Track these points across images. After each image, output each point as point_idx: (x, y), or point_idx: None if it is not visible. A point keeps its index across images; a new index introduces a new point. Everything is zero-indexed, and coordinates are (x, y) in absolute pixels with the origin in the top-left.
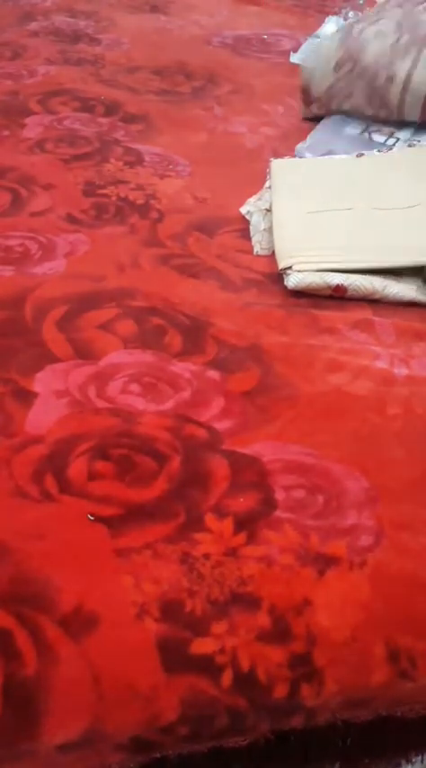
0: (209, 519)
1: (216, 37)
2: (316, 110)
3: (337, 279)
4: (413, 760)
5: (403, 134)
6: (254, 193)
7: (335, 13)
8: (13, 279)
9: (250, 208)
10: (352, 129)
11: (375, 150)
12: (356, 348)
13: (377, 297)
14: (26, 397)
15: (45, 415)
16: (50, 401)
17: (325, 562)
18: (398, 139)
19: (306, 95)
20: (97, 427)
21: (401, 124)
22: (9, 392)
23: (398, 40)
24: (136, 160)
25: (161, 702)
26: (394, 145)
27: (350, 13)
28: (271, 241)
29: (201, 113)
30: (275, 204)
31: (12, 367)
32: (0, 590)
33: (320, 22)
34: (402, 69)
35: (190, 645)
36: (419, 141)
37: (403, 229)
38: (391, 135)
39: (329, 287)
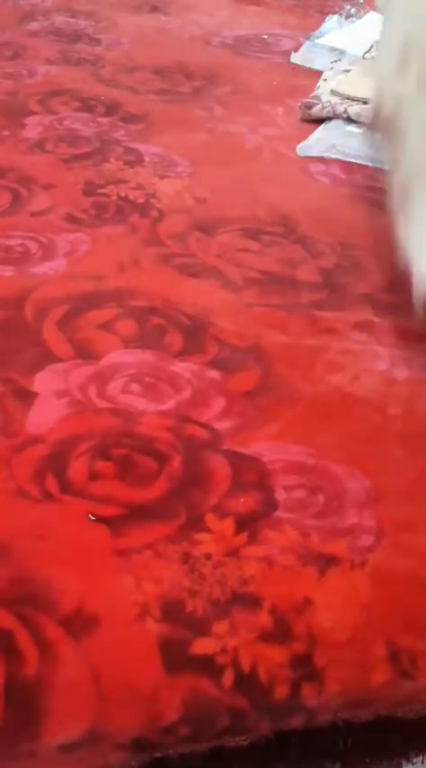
0: (210, 519)
1: (216, 37)
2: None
3: None
4: (414, 760)
5: None
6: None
7: (335, 13)
8: (13, 279)
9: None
10: (354, 128)
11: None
12: (356, 349)
13: None
14: (26, 396)
15: (45, 415)
16: (51, 401)
17: (326, 562)
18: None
19: None
20: (98, 427)
21: None
22: (9, 392)
23: None
24: (136, 160)
25: (162, 702)
26: None
27: (352, 11)
28: None
29: (201, 113)
30: None
31: (12, 367)
32: (0, 590)
33: (320, 22)
34: None
35: (191, 645)
36: None
37: None
38: None
39: None
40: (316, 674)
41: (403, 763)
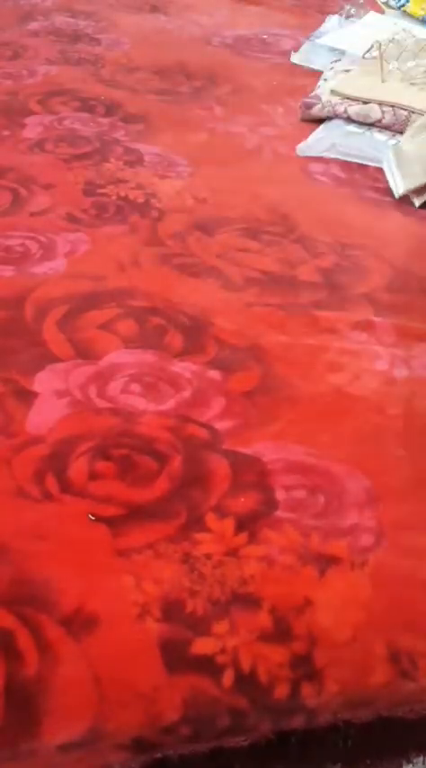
0: (210, 519)
1: (216, 37)
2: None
3: None
4: (414, 761)
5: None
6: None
7: (335, 13)
8: (13, 279)
9: None
10: (354, 128)
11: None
12: (356, 348)
13: None
14: (27, 396)
15: (46, 415)
16: (51, 401)
17: (326, 562)
18: (399, 141)
19: None
20: (98, 427)
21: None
22: (9, 392)
23: None
24: (136, 160)
25: (162, 702)
26: (396, 145)
27: (352, 11)
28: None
29: (201, 113)
30: None
31: (12, 367)
32: (1, 590)
33: (320, 22)
34: None
35: (192, 645)
36: None
37: None
38: (393, 136)
39: None
40: (316, 673)
41: (404, 763)
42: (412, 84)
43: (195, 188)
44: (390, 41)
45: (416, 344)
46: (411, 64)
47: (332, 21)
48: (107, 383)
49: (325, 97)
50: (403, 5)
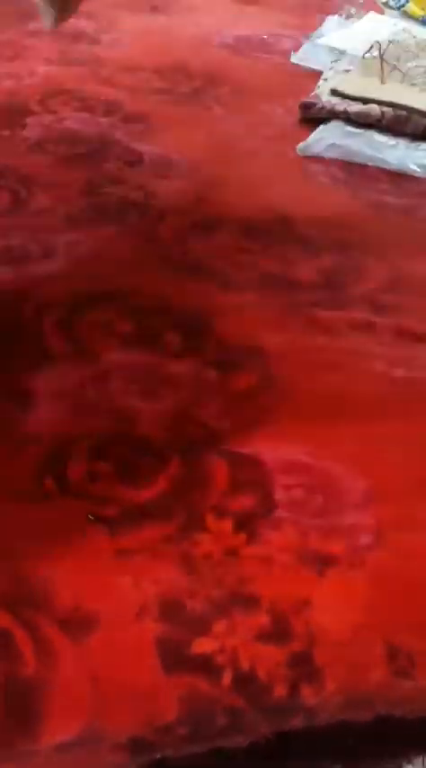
0: (209, 519)
1: (216, 37)
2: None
3: None
4: (414, 761)
5: (404, 140)
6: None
7: (335, 13)
8: (13, 279)
9: None
10: (354, 129)
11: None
12: (356, 348)
13: None
14: (25, 396)
15: (44, 415)
16: (50, 401)
17: (325, 562)
18: (398, 142)
19: None
20: (97, 427)
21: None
22: (8, 392)
23: None
24: (136, 160)
25: (160, 702)
26: (396, 145)
27: (352, 11)
28: None
29: (201, 113)
30: None
31: (11, 367)
32: None
33: (320, 22)
34: None
35: (190, 645)
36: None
37: None
38: (393, 137)
39: None
40: (315, 673)
41: (404, 763)
42: (412, 84)
43: (195, 188)
44: (390, 42)
45: (415, 345)
46: (411, 64)
47: (332, 21)
48: (106, 383)
49: (325, 97)
50: (403, 6)
